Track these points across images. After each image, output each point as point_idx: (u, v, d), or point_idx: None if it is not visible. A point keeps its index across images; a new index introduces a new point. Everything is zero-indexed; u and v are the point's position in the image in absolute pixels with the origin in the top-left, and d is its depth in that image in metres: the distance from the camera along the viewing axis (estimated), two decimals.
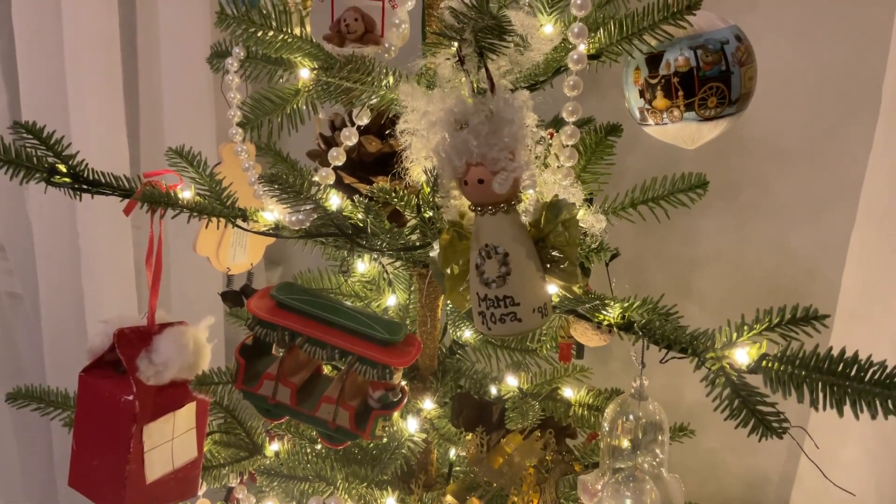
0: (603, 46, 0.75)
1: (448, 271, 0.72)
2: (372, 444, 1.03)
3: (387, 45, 0.83)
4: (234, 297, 1.13)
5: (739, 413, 0.62)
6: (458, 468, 1.10)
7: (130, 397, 0.91)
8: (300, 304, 0.90)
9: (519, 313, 0.66)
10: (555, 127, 0.81)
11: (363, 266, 1.15)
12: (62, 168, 0.84)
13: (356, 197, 0.86)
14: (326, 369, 1.00)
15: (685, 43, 0.77)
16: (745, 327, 0.65)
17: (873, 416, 0.57)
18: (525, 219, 0.68)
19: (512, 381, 1.00)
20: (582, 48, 0.74)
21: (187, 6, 1.38)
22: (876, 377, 0.57)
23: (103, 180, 0.87)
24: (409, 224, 0.86)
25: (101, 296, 1.46)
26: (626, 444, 0.78)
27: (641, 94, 0.81)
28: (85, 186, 0.86)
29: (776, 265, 1.33)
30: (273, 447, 1.09)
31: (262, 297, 0.93)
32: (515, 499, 0.89)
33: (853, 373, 0.58)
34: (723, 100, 0.78)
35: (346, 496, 0.98)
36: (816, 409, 0.59)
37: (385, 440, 0.99)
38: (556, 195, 0.71)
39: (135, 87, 1.50)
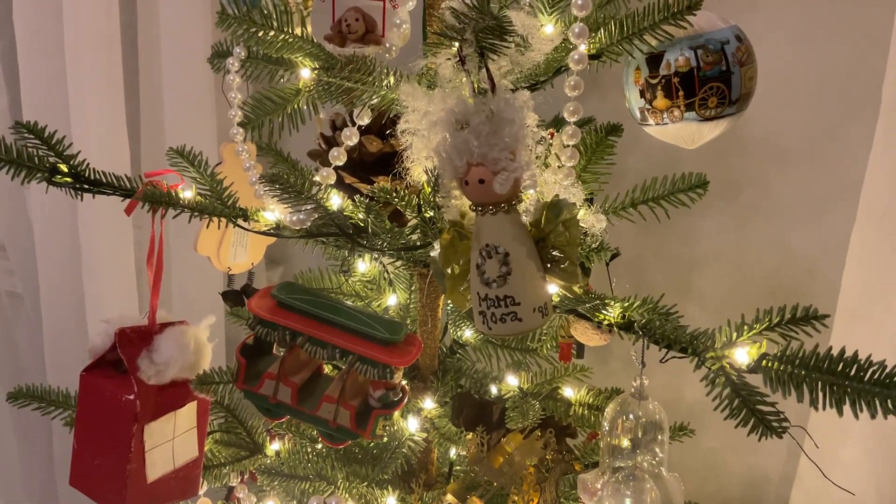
0: (603, 46, 0.76)
1: (449, 271, 0.72)
2: (373, 444, 1.03)
3: (388, 46, 0.83)
4: (235, 296, 1.13)
5: (739, 412, 0.62)
6: (458, 467, 1.11)
7: (131, 397, 0.91)
8: (301, 304, 0.90)
9: (519, 313, 0.67)
10: (555, 127, 0.81)
11: (364, 266, 1.15)
12: (63, 168, 0.85)
13: (357, 197, 0.86)
14: (327, 369, 1.00)
15: (686, 43, 0.77)
16: (745, 327, 0.65)
17: (873, 416, 0.57)
18: (526, 219, 0.68)
19: (512, 381, 1.00)
20: (583, 48, 0.74)
21: (188, 6, 1.38)
22: (875, 377, 0.57)
23: (104, 180, 0.87)
24: (409, 224, 0.86)
25: (102, 295, 1.46)
26: (626, 443, 0.78)
27: (642, 94, 0.81)
28: (86, 186, 0.86)
29: (776, 265, 1.33)
30: (274, 446, 1.09)
31: (262, 296, 0.93)
32: (516, 498, 0.89)
33: (853, 372, 0.58)
34: (723, 100, 0.78)
35: (347, 495, 0.99)
36: (816, 408, 0.59)
37: (386, 439, 1.00)
38: (557, 195, 0.71)
39: (135, 86, 1.50)
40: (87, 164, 0.86)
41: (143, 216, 0.90)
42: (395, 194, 0.83)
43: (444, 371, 1.04)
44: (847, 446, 1.20)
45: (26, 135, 0.84)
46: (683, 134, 0.81)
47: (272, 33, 0.81)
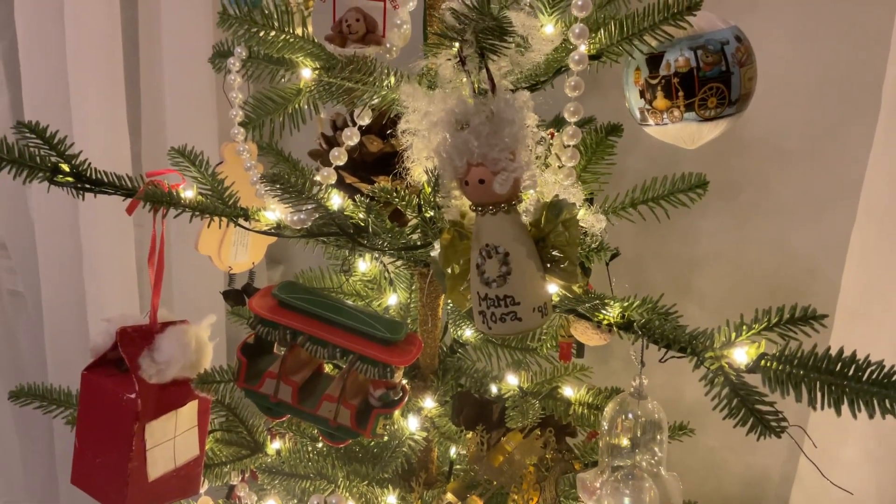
0: (603, 47, 0.76)
1: (449, 271, 0.72)
2: (373, 443, 1.03)
3: (388, 46, 0.83)
4: (236, 295, 1.14)
5: (738, 412, 0.62)
6: (458, 466, 1.11)
7: (133, 395, 0.91)
8: (302, 303, 0.90)
9: (519, 312, 0.67)
10: (556, 127, 0.81)
11: (364, 265, 1.15)
12: (65, 168, 0.85)
13: (357, 196, 0.86)
14: (328, 368, 1.01)
15: (685, 43, 0.78)
16: (744, 327, 0.65)
17: (871, 416, 0.57)
18: (525, 219, 0.68)
19: (512, 380, 1.00)
20: (583, 49, 0.74)
21: (189, 6, 1.38)
22: (874, 377, 0.58)
23: (106, 180, 0.87)
24: (410, 223, 0.87)
25: (103, 294, 1.47)
26: (625, 442, 0.78)
27: (642, 95, 0.81)
28: (88, 186, 0.86)
29: (776, 265, 1.33)
30: (274, 445, 1.09)
31: (263, 295, 0.93)
32: (516, 497, 0.89)
33: (851, 372, 0.58)
34: (723, 100, 0.78)
35: (348, 494, 0.99)
36: (815, 408, 0.60)
37: (386, 438, 1.00)
38: (557, 195, 0.71)
39: (136, 86, 1.50)
40: (89, 164, 0.86)
41: (145, 215, 0.90)
42: (395, 194, 0.83)
43: (444, 370, 1.04)
44: (847, 446, 1.20)
45: (28, 134, 0.84)
46: (683, 134, 0.82)
47: (273, 33, 0.81)
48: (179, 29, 1.40)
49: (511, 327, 0.67)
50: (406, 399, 0.93)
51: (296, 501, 1.05)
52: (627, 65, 0.82)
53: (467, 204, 0.69)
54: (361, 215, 0.85)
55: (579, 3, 0.73)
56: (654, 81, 0.79)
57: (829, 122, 1.25)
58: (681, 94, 0.78)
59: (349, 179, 0.94)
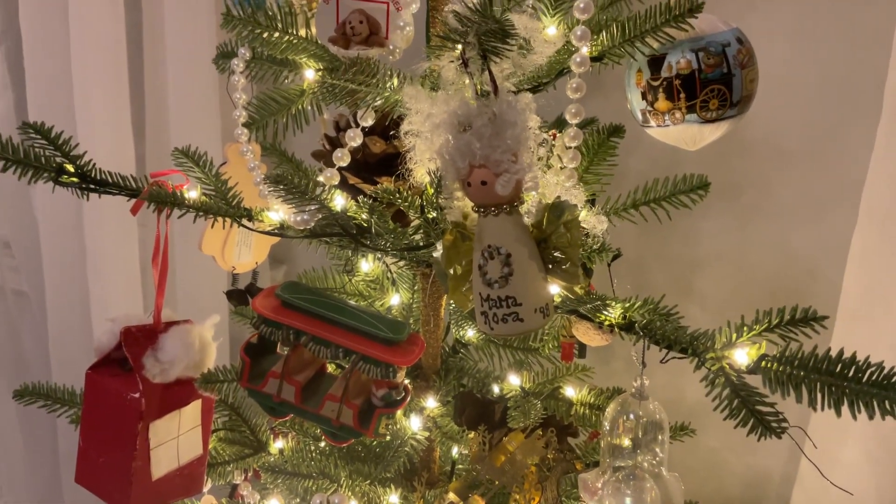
0: (605, 49, 0.76)
1: (451, 271, 0.72)
2: (375, 442, 1.04)
3: (391, 48, 0.84)
4: (240, 295, 1.14)
5: (739, 413, 0.63)
6: (460, 466, 1.11)
7: (137, 395, 0.92)
8: (305, 304, 0.91)
9: (521, 313, 0.67)
10: (558, 128, 0.81)
11: (367, 265, 1.15)
12: (70, 168, 0.85)
13: (360, 197, 0.87)
14: (331, 368, 1.01)
15: (687, 45, 0.78)
16: (745, 328, 0.66)
17: (871, 417, 0.57)
18: (527, 220, 0.69)
19: (514, 380, 1.00)
20: (585, 51, 0.75)
21: (193, 7, 1.39)
22: (874, 378, 0.58)
23: (110, 180, 0.87)
24: (412, 224, 0.87)
25: (107, 294, 1.47)
26: (626, 442, 0.78)
27: (643, 96, 0.81)
28: (92, 186, 0.87)
29: (777, 266, 1.34)
30: (277, 444, 1.10)
31: (267, 296, 0.93)
32: (517, 496, 0.90)
33: (851, 373, 0.59)
34: (724, 102, 0.79)
35: (350, 493, 0.99)
36: (815, 409, 0.60)
37: (388, 438, 1.00)
38: (559, 196, 0.72)
39: (141, 87, 1.51)
40: (94, 164, 0.87)
41: (148, 215, 0.90)
42: (398, 195, 0.83)
43: (446, 370, 1.04)
44: (847, 447, 1.20)
45: (33, 135, 0.85)
46: (685, 136, 0.82)
47: (277, 35, 0.82)
48: (183, 30, 1.41)
49: (513, 328, 0.68)
50: (408, 399, 0.94)
51: (298, 500, 1.05)
52: (629, 66, 0.82)
53: (469, 205, 0.69)
54: (364, 216, 0.85)
55: (581, 5, 0.73)
56: (655, 83, 0.80)
57: (829, 123, 1.25)
58: (682, 95, 0.79)
59: (352, 180, 0.94)
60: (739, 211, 1.34)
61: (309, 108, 0.94)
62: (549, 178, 0.78)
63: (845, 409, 0.59)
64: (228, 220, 0.89)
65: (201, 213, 0.89)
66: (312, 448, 1.05)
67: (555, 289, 0.72)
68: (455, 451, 1.09)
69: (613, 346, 0.97)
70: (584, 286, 0.82)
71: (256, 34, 0.82)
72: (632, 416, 0.77)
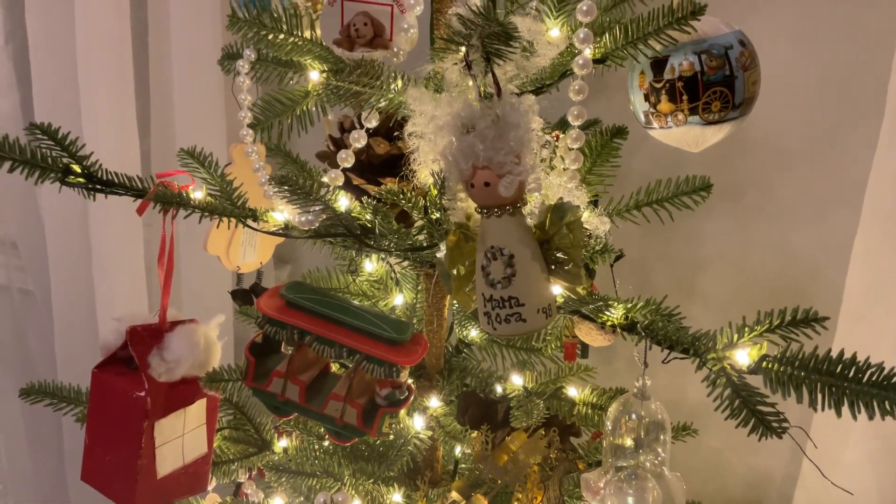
0: (608, 51, 0.76)
1: (454, 272, 0.73)
2: (379, 441, 1.04)
3: (395, 50, 0.84)
4: (244, 295, 1.15)
5: (740, 413, 0.63)
6: (463, 465, 1.12)
7: (142, 393, 0.92)
8: (309, 303, 0.91)
9: (524, 314, 0.68)
10: (561, 129, 0.82)
11: (371, 266, 1.16)
12: (76, 168, 0.86)
13: (364, 198, 0.87)
14: (335, 367, 1.02)
15: (690, 48, 0.78)
16: (746, 329, 0.66)
17: (871, 417, 0.58)
18: (530, 221, 0.69)
19: (517, 380, 1.01)
20: (587, 53, 0.75)
21: (198, 8, 1.40)
22: (874, 378, 0.58)
23: (117, 181, 0.87)
24: (416, 225, 0.87)
25: (113, 293, 1.48)
26: (629, 442, 0.79)
27: (646, 98, 0.82)
28: (99, 187, 0.87)
29: (780, 267, 1.34)
30: (281, 443, 1.10)
31: (271, 295, 0.94)
32: (520, 496, 0.90)
33: (851, 374, 0.59)
34: (726, 104, 0.79)
35: (353, 492, 1.00)
36: (815, 409, 0.60)
37: (392, 437, 1.01)
38: (561, 198, 0.72)
39: (146, 87, 1.52)
40: (100, 165, 0.87)
41: (154, 215, 0.91)
42: (402, 196, 0.84)
43: (449, 370, 1.04)
44: (849, 448, 1.20)
45: (40, 136, 0.85)
46: (687, 137, 0.82)
47: (282, 36, 0.82)
48: (189, 31, 1.41)
49: (515, 328, 0.68)
50: (412, 398, 0.94)
51: (302, 499, 1.06)
52: (632, 68, 0.82)
53: (473, 206, 0.70)
54: (368, 217, 0.86)
55: (584, 8, 0.74)
56: (658, 85, 0.80)
57: (831, 123, 1.25)
58: (685, 97, 0.79)
59: (356, 181, 0.95)
60: (742, 212, 1.34)
61: (313, 109, 0.94)
62: (552, 180, 0.78)
63: (846, 409, 0.60)
64: (234, 221, 0.90)
65: (206, 214, 0.89)
66: (316, 447, 1.06)
67: (557, 289, 0.72)
68: (458, 450, 1.10)
69: (616, 346, 0.97)
70: (587, 287, 0.83)
71: (262, 36, 0.82)
72: (634, 416, 0.78)
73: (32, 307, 1.73)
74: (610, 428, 0.80)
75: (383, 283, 1.16)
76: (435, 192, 0.81)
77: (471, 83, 0.67)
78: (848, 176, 1.23)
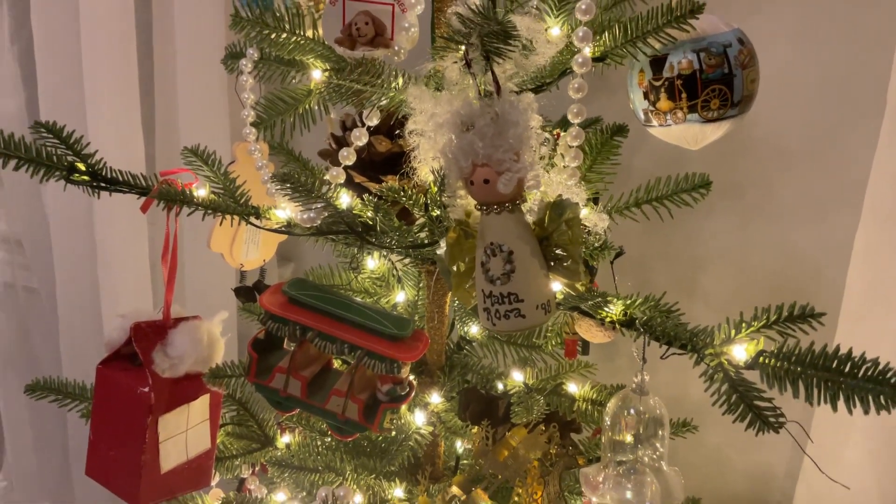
0: (608, 49, 0.77)
1: (454, 268, 0.73)
2: (381, 437, 1.05)
3: (396, 49, 0.85)
4: (247, 292, 1.15)
5: (737, 408, 0.63)
6: (465, 461, 1.12)
7: (146, 389, 0.93)
8: (311, 300, 0.92)
9: (523, 310, 0.68)
10: (562, 128, 0.82)
11: (373, 263, 1.17)
12: (81, 167, 0.86)
13: (366, 195, 0.88)
14: (336, 363, 1.02)
15: (688, 46, 0.79)
16: (744, 324, 0.66)
17: (866, 412, 0.58)
18: (529, 218, 0.70)
19: (518, 377, 1.01)
20: (587, 51, 0.76)
21: (202, 8, 1.40)
22: (869, 374, 0.59)
23: (121, 178, 0.88)
24: (417, 222, 0.88)
25: (117, 291, 1.49)
26: (628, 438, 0.79)
27: (645, 96, 0.82)
28: (103, 184, 0.88)
29: (780, 265, 1.34)
30: (284, 439, 1.11)
31: (274, 292, 0.94)
32: (520, 491, 0.91)
33: (847, 369, 0.59)
34: (725, 102, 0.80)
35: (355, 487, 1.00)
36: (811, 404, 0.61)
37: (394, 433, 1.01)
38: (560, 195, 0.73)
39: (151, 87, 1.52)
40: (105, 163, 0.88)
41: (158, 213, 0.92)
42: (403, 193, 0.84)
43: (450, 367, 1.05)
44: (850, 446, 1.20)
45: (45, 134, 0.86)
46: (686, 135, 0.83)
47: (284, 35, 0.83)
48: (193, 31, 1.42)
49: (514, 324, 0.69)
50: (413, 394, 0.95)
51: (305, 494, 1.07)
52: (631, 67, 0.83)
53: (472, 203, 0.70)
54: (370, 214, 0.86)
55: (583, 6, 0.74)
56: (657, 83, 0.81)
57: (831, 123, 1.25)
58: (684, 95, 0.80)
59: (358, 179, 0.96)
60: (742, 210, 1.34)
61: (316, 107, 0.95)
62: (553, 177, 0.79)
63: (843, 406, 0.60)
64: (237, 218, 0.90)
65: (210, 211, 0.90)
66: (319, 443, 1.06)
67: (557, 286, 0.73)
68: (460, 446, 1.10)
69: (618, 343, 0.98)
70: (586, 283, 0.83)
71: (264, 35, 0.83)
72: (632, 412, 0.78)
73: (37, 305, 1.74)
74: (608, 423, 0.80)
75: (385, 280, 1.16)
76: (435, 189, 0.82)
77: (470, 81, 0.68)
78: (848, 175, 1.24)
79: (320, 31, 0.90)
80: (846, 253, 1.18)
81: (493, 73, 0.66)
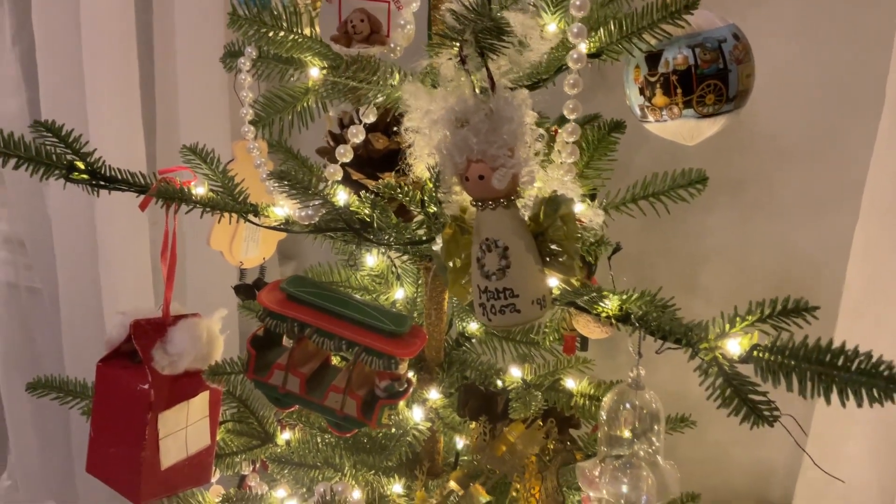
0: (603, 45, 0.77)
1: (451, 264, 0.74)
2: (380, 433, 1.05)
3: (392, 46, 0.85)
4: (247, 289, 1.16)
5: (731, 402, 0.63)
6: (464, 457, 1.12)
7: (146, 386, 0.93)
8: (310, 297, 0.92)
9: (518, 305, 0.68)
10: (560, 124, 0.82)
11: (372, 260, 1.17)
12: (81, 165, 0.87)
13: (363, 192, 0.88)
14: (335, 360, 1.03)
15: (684, 41, 0.79)
16: (738, 319, 0.66)
17: (859, 405, 0.58)
18: (524, 213, 0.70)
19: (516, 373, 1.01)
20: (582, 47, 0.76)
21: (201, 7, 1.41)
22: (862, 367, 0.59)
23: (120, 177, 0.88)
24: (415, 219, 0.88)
25: (119, 289, 1.49)
26: (625, 433, 0.80)
27: (641, 92, 0.82)
28: (102, 183, 0.88)
29: (780, 262, 1.34)
30: (284, 436, 1.11)
31: (272, 289, 0.95)
32: (518, 486, 0.91)
33: (840, 362, 0.59)
34: (720, 97, 0.80)
35: (354, 482, 1.01)
36: (805, 397, 0.61)
37: (393, 430, 1.02)
38: (555, 191, 0.73)
39: (151, 86, 1.53)
40: (104, 162, 0.88)
41: (160, 213, 0.92)
42: (400, 190, 0.85)
43: (449, 363, 1.05)
44: (850, 442, 1.21)
45: (45, 133, 0.86)
46: (682, 130, 0.83)
47: (282, 34, 0.83)
48: (193, 29, 1.42)
49: (510, 319, 0.69)
50: (411, 390, 0.95)
51: (305, 490, 1.07)
52: (627, 63, 0.83)
53: (468, 199, 0.71)
54: (367, 211, 0.86)
55: (577, 3, 0.75)
56: (653, 79, 0.81)
57: (830, 121, 1.25)
58: (679, 91, 0.80)
59: (355, 176, 0.96)
60: (742, 207, 1.34)
61: (314, 105, 0.95)
62: (549, 173, 0.79)
63: (837, 399, 0.60)
64: (236, 216, 0.91)
65: (209, 209, 0.91)
66: (318, 439, 1.07)
67: (553, 281, 0.73)
68: (459, 442, 1.11)
69: (618, 340, 0.98)
70: (582, 278, 0.84)
71: (262, 33, 0.83)
72: (629, 406, 0.79)
73: (40, 304, 1.75)
74: (605, 418, 0.80)
75: (384, 277, 1.17)
76: (431, 185, 0.82)
77: (465, 78, 0.68)
78: (847, 173, 1.24)
79: (317, 28, 0.91)
80: (845, 249, 1.18)
81: (487, 69, 0.66)
